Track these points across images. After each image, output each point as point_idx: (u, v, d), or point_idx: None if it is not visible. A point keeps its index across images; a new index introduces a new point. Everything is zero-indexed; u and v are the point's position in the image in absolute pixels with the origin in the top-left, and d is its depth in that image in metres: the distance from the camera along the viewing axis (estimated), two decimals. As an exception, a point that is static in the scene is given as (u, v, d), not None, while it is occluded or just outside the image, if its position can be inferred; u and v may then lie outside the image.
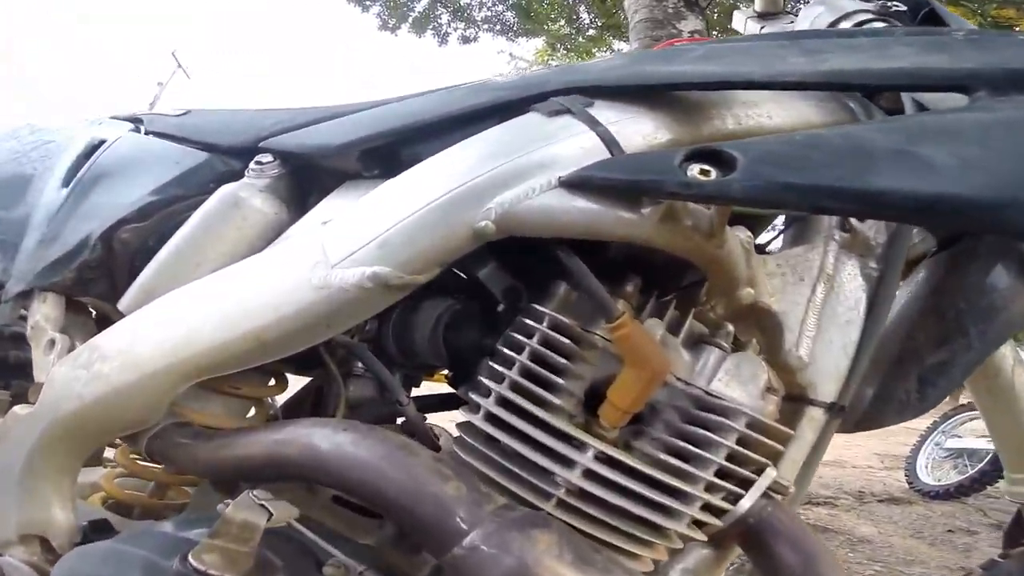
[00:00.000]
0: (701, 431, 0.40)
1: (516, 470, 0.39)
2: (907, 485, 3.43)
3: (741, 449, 0.40)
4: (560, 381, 0.39)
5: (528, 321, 0.41)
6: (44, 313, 0.60)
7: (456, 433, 0.43)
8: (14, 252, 0.65)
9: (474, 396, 0.41)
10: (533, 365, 0.40)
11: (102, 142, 0.68)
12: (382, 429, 0.38)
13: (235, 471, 0.43)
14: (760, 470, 0.43)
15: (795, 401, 0.50)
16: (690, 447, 0.40)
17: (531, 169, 0.39)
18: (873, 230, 0.56)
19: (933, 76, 0.38)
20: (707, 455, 0.39)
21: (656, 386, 0.38)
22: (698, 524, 0.42)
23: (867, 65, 0.41)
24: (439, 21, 3.35)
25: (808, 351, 0.48)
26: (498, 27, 3.19)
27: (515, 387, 0.39)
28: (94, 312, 0.66)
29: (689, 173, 0.33)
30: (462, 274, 0.57)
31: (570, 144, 0.39)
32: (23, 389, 0.62)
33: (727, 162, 0.33)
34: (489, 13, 3.38)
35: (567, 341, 0.40)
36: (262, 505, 0.35)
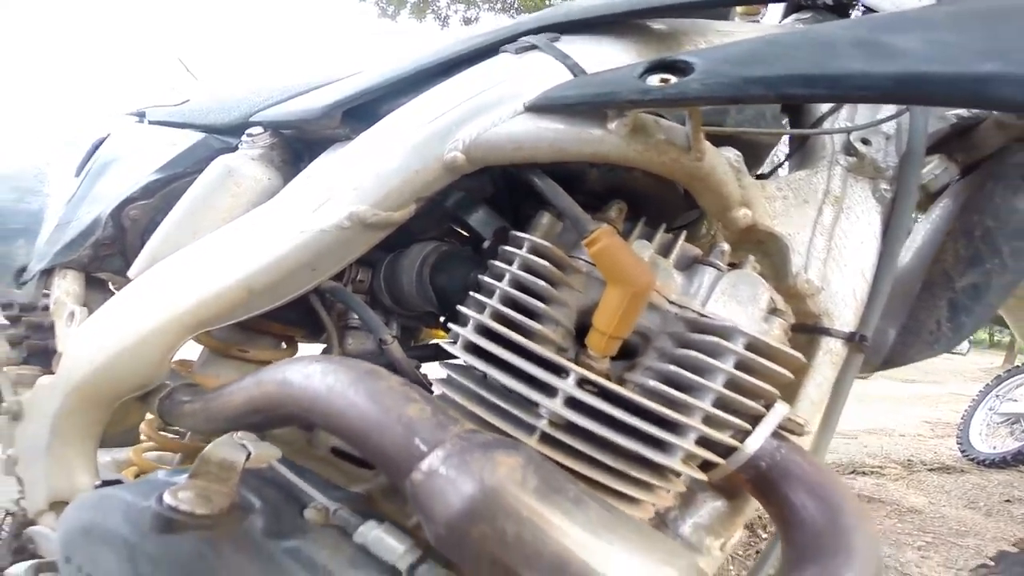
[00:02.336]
0: (696, 355, 0.37)
1: (498, 402, 0.37)
2: (960, 453, 3.28)
3: (742, 375, 0.36)
4: (542, 307, 0.37)
5: (510, 249, 0.40)
6: (65, 288, 0.64)
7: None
8: (35, 236, 0.69)
9: (455, 328, 0.40)
10: (515, 292, 0.38)
11: (108, 135, 0.71)
12: (356, 360, 0.37)
13: (226, 421, 0.43)
14: (770, 405, 0.39)
15: (810, 332, 0.46)
16: (685, 373, 0.36)
17: (499, 101, 0.39)
18: (882, 152, 0.52)
19: None
20: (703, 381, 0.36)
21: (641, 304, 0.35)
22: (703, 467, 0.39)
23: None
24: (438, 4, 3.32)
25: (820, 275, 0.45)
26: (499, 5, 3.14)
27: (496, 316, 0.38)
28: (113, 286, 0.69)
29: (648, 82, 0.32)
30: (458, 228, 0.57)
31: (536, 74, 0.39)
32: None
33: (685, 69, 0.31)
34: (488, -9, 3.31)
35: (549, 265, 0.38)
36: (242, 445, 0.35)
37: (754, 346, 0.37)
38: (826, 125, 0.54)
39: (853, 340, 0.46)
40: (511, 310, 0.38)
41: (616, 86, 0.33)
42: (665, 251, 0.41)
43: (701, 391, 0.36)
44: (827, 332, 0.46)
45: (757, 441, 0.38)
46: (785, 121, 0.58)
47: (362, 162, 0.42)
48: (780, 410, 0.39)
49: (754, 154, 0.53)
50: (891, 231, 0.49)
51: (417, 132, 0.40)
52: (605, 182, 0.44)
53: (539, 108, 0.36)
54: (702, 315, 0.38)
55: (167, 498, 0.32)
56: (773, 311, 0.40)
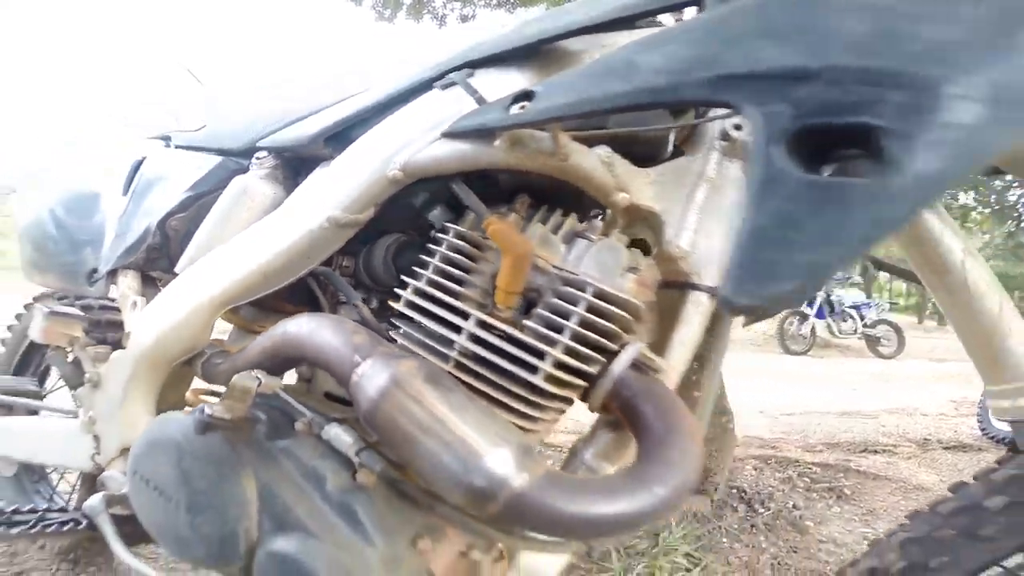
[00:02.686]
0: (558, 301, 0.49)
1: (426, 340, 0.52)
2: (979, 432, 3.26)
3: (593, 317, 0.48)
4: (459, 273, 0.52)
5: (442, 235, 0.55)
6: (127, 284, 0.82)
7: None
8: (99, 246, 0.88)
9: (399, 291, 0.55)
10: (443, 265, 0.53)
11: (144, 159, 0.89)
12: (329, 314, 0.53)
13: (248, 369, 0.59)
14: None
15: (680, 287, 0.55)
16: (549, 315, 0.49)
17: (423, 131, 0.54)
18: (753, 137, 0.62)
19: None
20: (561, 321, 0.48)
21: (524, 265, 0.48)
22: (584, 399, 0.50)
23: None
24: (434, 3, 3.36)
25: (690, 242, 0.54)
26: (495, 1, 3.17)
27: (429, 281, 0.53)
28: (160, 283, 0.88)
29: (511, 111, 0.46)
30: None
31: (451, 107, 0.54)
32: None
33: (532, 96, 0.46)
34: (484, -12, 3.30)
35: (466, 245, 0.53)
36: (256, 377, 0.51)
37: (602, 294, 0.49)
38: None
39: (715, 293, 0.54)
40: (439, 277, 0.53)
41: (491, 115, 0.48)
42: (555, 229, 0.54)
43: (561, 327, 0.48)
44: (694, 287, 0.54)
45: (618, 368, 0.48)
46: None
47: (336, 179, 0.58)
48: (632, 348, 0.49)
49: (651, 147, 0.60)
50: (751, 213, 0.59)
51: (371, 156, 0.56)
52: (512, 182, 0.58)
53: (450, 134, 0.51)
54: (572, 273, 0.50)
55: (206, 410, 0.49)
56: (631, 269, 0.51)
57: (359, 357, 0.47)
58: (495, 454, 0.41)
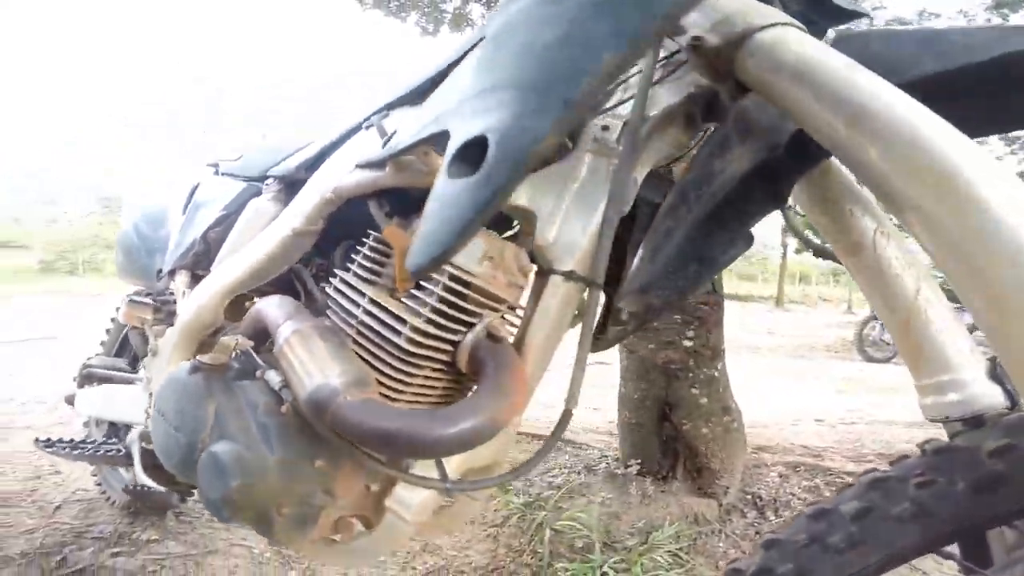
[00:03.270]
0: (426, 284, 0.63)
1: (340, 313, 0.70)
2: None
3: (447, 295, 0.62)
4: (375, 267, 0.70)
5: (366, 240, 0.74)
6: (181, 279, 1.10)
7: None
8: (165, 252, 1.17)
9: (332, 280, 0.75)
10: (363, 260, 0.72)
11: (198, 184, 1.18)
12: (286, 297, 0.76)
13: (243, 335, 0.83)
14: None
15: (544, 273, 0.64)
16: (418, 293, 0.63)
17: (350, 163, 0.74)
18: (617, 135, 0.64)
19: None
20: (423, 296, 0.63)
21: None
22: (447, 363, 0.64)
23: None
24: (471, 16, 3.53)
25: (554, 233, 0.62)
26: None
27: (353, 272, 0.72)
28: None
29: (386, 148, 0.65)
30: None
31: (370, 144, 0.74)
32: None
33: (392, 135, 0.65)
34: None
35: (381, 245, 0.71)
36: (235, 338, 0.74)
37: (455, 277, 0.63)
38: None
39: (571, 277, 0.63)
40: (359, 269, 0.71)
41: (377, 152, 0.67)
42: None
43: (422, 301, 0.63)
44: (552, 272, 0.63)
45: (468, 337, 0.62)
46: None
47: (298, 200, 0.81)
48: (484, 320, 0.63)
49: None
50: (612, 197, 0.61)
51: (318, 182, 0.78)
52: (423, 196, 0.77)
53: (361, 165, 0.72)
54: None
55: (198, 358, 0.72)
56: (487, 258, 0.63)
57: (284, 320, 0.69)
58: (335, 379, 0.61)
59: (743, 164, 0.61)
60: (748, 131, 0.60)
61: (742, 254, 0.68)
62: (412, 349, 0.64)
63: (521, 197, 0.64)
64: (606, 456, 2.36)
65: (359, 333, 0.68)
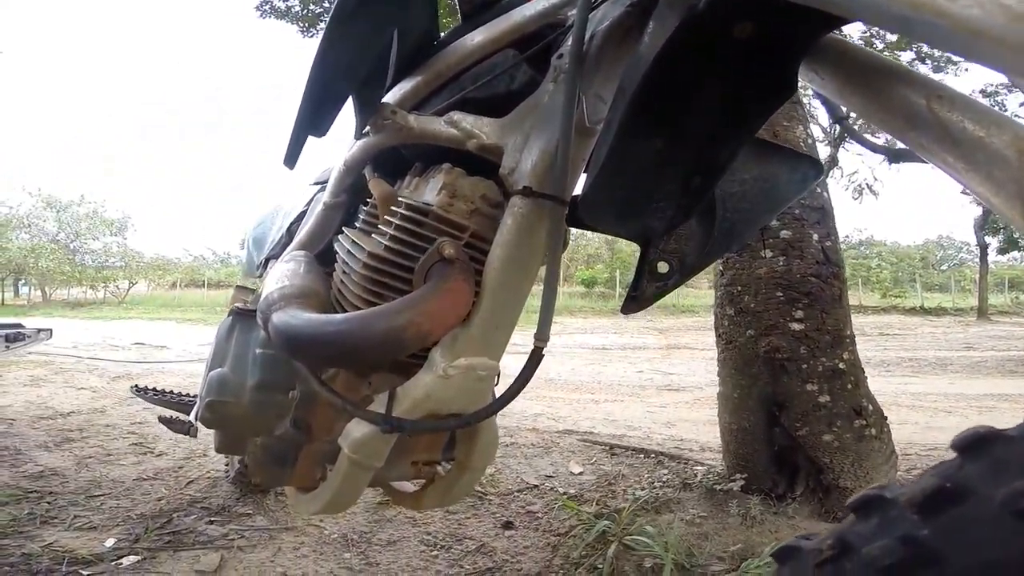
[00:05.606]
0: (387, 216, 0.72)
1: (338, 260, 0.81)
2: None
3: (405, 223, 0.69)
4: (372, 220, 0.79)
5: (363, 207, 0.85)
6: (270, 267, 1.32)
7: None
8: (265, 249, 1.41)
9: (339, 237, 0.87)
10: (362, 215, 0.82)
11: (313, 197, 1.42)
12: (304, 253, 0.88)
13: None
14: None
15: (505, 196, 0.69)
16: (383, 225, 0.73)
17: (354, 139, 0.87)
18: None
19: None
20: (389, 218, 0.71)
21: (387, 203, 0.73)
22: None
23: None
24: None
25: (515, 160, 0.67)
26: None
27: (355, 228, 0.83)
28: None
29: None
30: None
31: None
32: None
33: None
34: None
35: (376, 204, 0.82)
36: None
37: (411, 206, 0.70)
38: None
39: (528, 194, 0.65)
40: (359, 221, 0.83)
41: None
42: (426, 177, 0.77)
43: (388, 223, 0.72)
44: (511, 193, 0.66)
45: (423, 256, 0.66)
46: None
47: (330, 180, 0.95)
48: (438, 242, 0.66)
49: (500, 100, 0.73)
50: (563, 110, 0.61)
51: (339, 160, 0.91)
52: (413, 155, 0.82)
53: (356, 137, 0.82)
54: (404, 199, 0.72)
55: (236, 305, 0.87)
56: (453, 194, 0.70)
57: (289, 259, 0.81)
58: (275, 292, 0.70)
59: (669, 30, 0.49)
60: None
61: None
62: (368, 274, 0.70)
63: (492, 136, 0.68)
64: (714, 472, 2.04)
65: (340, 271, 0.78)
